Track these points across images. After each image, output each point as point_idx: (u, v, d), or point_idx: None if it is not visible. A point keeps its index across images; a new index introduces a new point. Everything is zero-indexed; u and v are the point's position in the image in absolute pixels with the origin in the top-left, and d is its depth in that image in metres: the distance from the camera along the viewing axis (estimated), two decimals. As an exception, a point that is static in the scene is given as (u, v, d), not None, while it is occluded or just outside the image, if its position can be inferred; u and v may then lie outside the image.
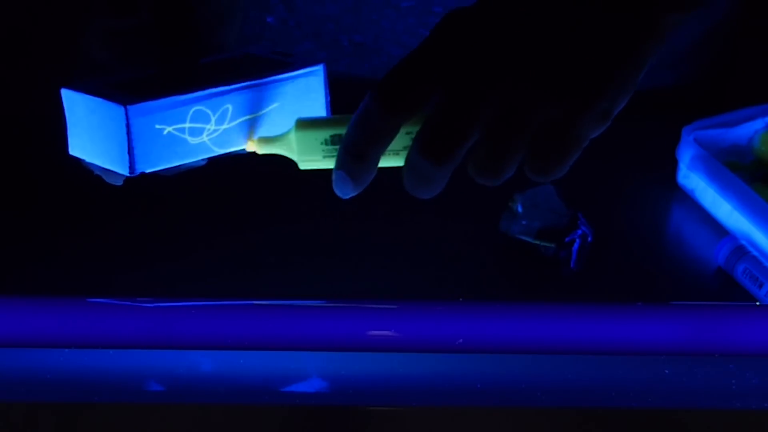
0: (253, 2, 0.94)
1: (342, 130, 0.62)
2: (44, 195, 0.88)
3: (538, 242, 0.82)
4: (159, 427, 0.70)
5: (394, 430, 0.71)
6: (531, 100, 0.58)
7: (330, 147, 0.63)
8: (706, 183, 0.86)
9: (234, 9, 0.78)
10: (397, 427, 0.71)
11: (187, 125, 0.64)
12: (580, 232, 0.81)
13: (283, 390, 0.70)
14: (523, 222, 0.82)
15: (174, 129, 0.64)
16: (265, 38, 0.96)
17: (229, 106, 0.65)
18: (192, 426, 0.71)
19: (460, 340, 0.70)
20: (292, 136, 0.64)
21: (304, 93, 0.67)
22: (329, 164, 0.63)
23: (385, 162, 0.62)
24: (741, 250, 0.81)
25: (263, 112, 0.66)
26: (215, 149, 0.65)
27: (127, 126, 0.62)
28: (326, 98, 0.68)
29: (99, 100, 0.63)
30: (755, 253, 0.80)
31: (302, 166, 0.64)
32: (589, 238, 0.82)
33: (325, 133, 0.63)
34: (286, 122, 0.66)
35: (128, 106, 0.62)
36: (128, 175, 0.63)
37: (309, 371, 0.71)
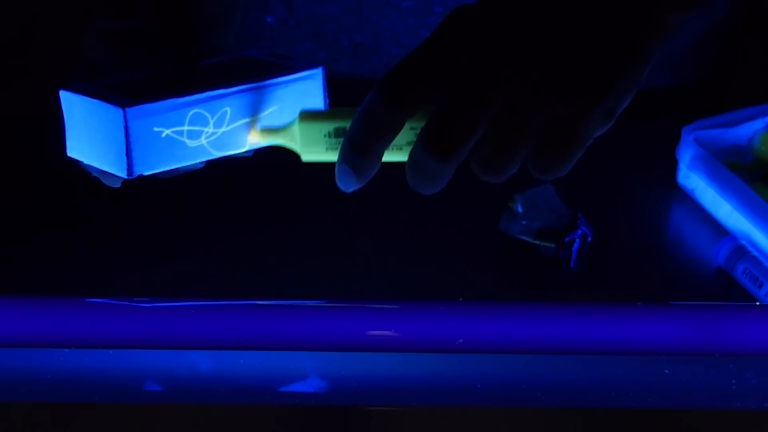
0: (253, 2, 0.94)
1: (346, 123, 0.62)
2: (43, 195, 0.88)
3: (538, 242, 0.82)
4: (158, 427, 0.70)
5: (394, 430, 0.71)
6: (536, 98, 0.58)
7: (333, 139, 0.63)
8: (706, 183, 0.86)
9: (233, 9, 0.78)
10: (397, 427, 0.71)
11: (185, 128, 0.64)
12: (580, 232, 0.81)
13: (282, 390, 0.70)
14: (523, 222, 0.82)
15: (172, 132, 0.63)
16: (264, 38, 0.96)
17: (228, 109, 0.65)
18: (191, 426, 0.70)
19: (460, 340, 0.70)
20: (296, 128, 0.64)
21: (303, 96, 0.67)
22: (332, 157, 0.62)
23: (388, 157, 0.61)
24: (741, 250, 0.81)
25: (262, 115, 0.66)
26: (213, 152, 0.65)
27: (126, 128, 0.62)
28: (325, 101, 0.67)
29: (97, 102, 0.63)
30: (755, 253, 0.80)
31: (305, 158, 0.64)
32: (589, 238, 0.82)
33: (329, 126, 0.63)
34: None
35: (126, 109, 0.62)
36: (126, 177, 0.63)
37: (309, 371, 0.71)
